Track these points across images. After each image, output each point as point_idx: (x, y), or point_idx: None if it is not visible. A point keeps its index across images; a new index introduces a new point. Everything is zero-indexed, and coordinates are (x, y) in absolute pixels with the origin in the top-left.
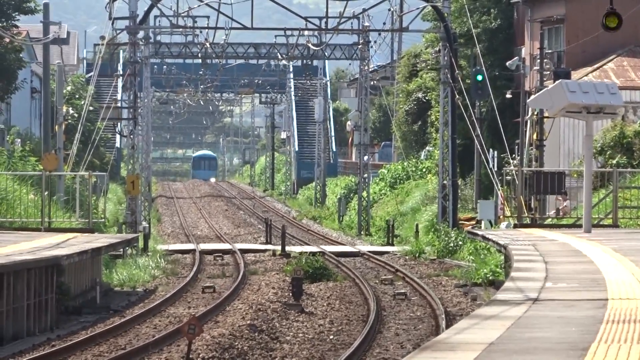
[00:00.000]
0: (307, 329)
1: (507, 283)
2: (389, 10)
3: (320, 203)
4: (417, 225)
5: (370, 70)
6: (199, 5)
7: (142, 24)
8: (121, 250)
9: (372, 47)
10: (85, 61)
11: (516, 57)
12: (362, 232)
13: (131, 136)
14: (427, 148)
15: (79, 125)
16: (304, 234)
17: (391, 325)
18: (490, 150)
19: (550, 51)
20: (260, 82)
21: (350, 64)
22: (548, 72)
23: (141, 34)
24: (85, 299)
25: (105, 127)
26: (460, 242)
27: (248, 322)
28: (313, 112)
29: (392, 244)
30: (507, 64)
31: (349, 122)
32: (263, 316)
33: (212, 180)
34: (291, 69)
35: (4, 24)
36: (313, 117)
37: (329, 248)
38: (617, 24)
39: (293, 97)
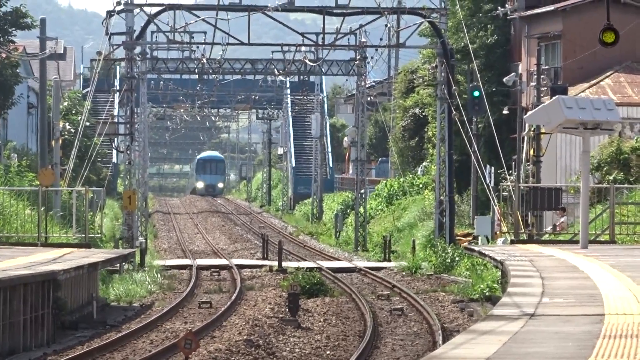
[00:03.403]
0: (303, 345)
1: (504, 298)
2: (386, 26)
3: (317, 219)
4: (413, 241)
5: (367, 86)
6: (195, 21)
7: (139, 39)
8: (118, 265)
9: (369, 63)
10: (82, 77)
11: (513, 73)
12: (358, 248)
13: (128, 152)
14: (424, 164)
15: (76, 140)
16: (301, 249)
17: (388, 341)
18: (487, 166)
19: (547, 67)
20: (257, 97)
21: (347, 80)
22: (545, 88)
23: (138, 49)
24: (81, 313)
25: (102, 142)
26: (457, 258)
27: (244, 337)
28: (310, 128)
29: (389, 260)
30: (504, 80)
31: (345, 138)
32: (259, 331)
33: (220, 186)
34: (288, 85)
35: (1, 39)
36: (310, 133)
37: (326, 264)
38: (614, 39)
39: (290, 113)
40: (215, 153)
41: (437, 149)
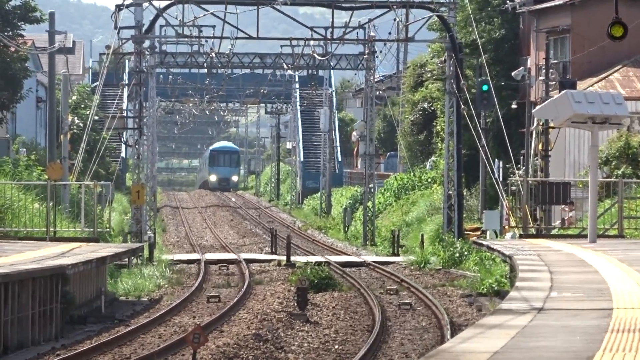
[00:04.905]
0: (312, 339)
1: (512, 293)
2: (395, 20)
3: (326, 213)
4: (422, 236)
5: (375, 80)
6: (204, 15)
7: (148, 33)
8: (126, 259)
9: (377, 57)
10: (90, 71)
11: (522, 67)
12: (367, 243)
13: (136, 146)
14: (433, 158)
15: (84, 134)
16: (309, 244)
17: (396, 335)
18: (496, 160)
19: (555, 61)
20: (265, 92)
21: (355, 74)
22: (554, 83)
23: (147, 43)
24: (90, 308)
25: (111, 136)
26: (465, 253)
27: (253, 331)
28: (318, 122)
29: (398, 254)
30: (513, 74)
31: (354, 132)
32: (268, 326)
33: (235, 179)
34: (297, 79)
35: (10, 33)
36: (318, 127)
37: (334, 258)
38: (622, 33)
39: (298, 107)
40: (230, 144)
41: (445, 143)
